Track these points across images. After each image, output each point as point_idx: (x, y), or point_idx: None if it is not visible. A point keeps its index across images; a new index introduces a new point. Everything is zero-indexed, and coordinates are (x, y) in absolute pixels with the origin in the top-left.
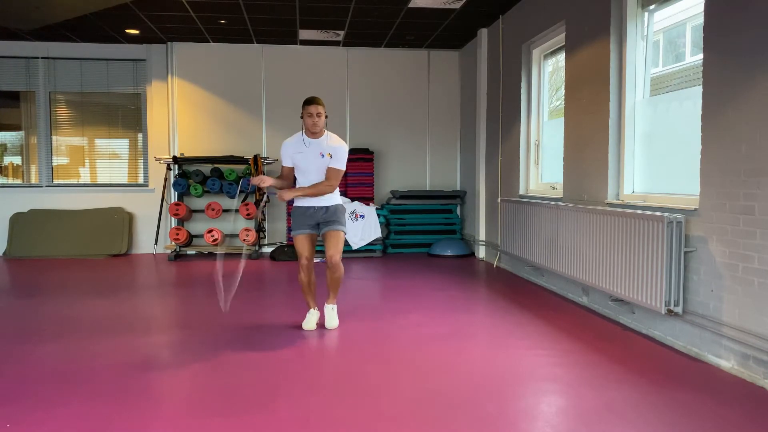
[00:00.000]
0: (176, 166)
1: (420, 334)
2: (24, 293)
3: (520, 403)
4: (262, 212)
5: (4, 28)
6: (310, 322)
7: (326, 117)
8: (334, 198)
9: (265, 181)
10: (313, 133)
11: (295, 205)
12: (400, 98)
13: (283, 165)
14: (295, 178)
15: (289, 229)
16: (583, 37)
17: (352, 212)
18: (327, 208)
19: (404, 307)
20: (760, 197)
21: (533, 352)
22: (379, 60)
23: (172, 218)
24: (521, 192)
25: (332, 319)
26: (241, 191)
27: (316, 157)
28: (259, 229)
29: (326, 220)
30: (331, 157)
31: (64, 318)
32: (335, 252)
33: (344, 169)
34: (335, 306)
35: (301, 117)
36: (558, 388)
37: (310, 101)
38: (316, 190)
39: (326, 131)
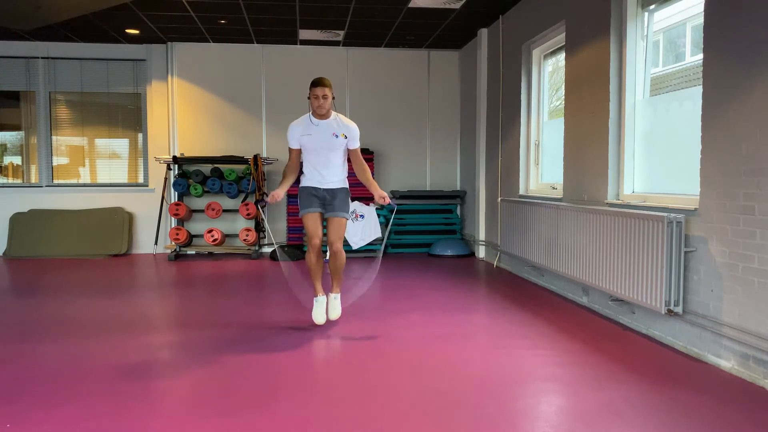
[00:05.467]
0: (176, 166)
1: (420, 334)
2: (24, 293)
3: (520, 403)
4: (263, 212)
5: (4, 28)
6: (319, 312)
7: (333, 98)
8: (342, 180)
9: (279, 196)
10: (320, 114)
11: (301, 185)
12: (400, 98)
13: (291, 147)
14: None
15: (290, 229)
16: (583, 37)
17: (352, 212)
18: (333, 190)
19: (404, 307)
20: (760, 197)
21: (533, 352)
22: (379, 60)
23: (172, 218)
24: (521, 192)
25: (335, 308)
26: (241, 191)
27: (328, 137)
28: (259, 229)
29: (331, 203)
30: (345, 137)
31: (63, 318)
32: (336, 239)
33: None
34: (339, 295)
35: (308, 98)
36: (558, 388)
37: (316, 83)
38: (371, 182)
39: (334, 112)
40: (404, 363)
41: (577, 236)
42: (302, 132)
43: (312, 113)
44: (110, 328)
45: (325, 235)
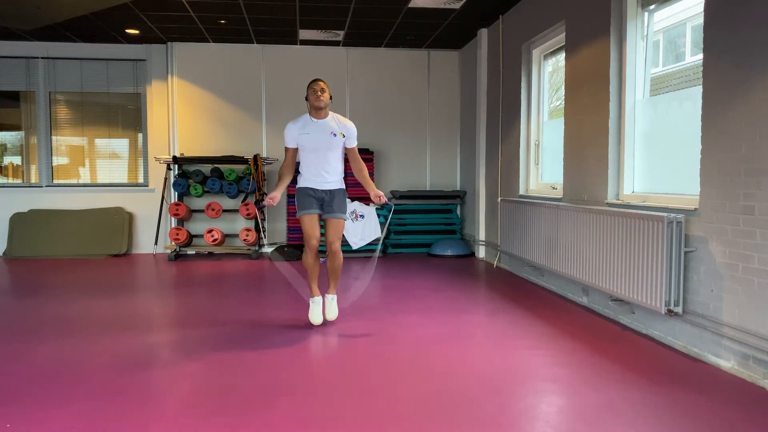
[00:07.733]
0: (176, 166)
1: (420, 334)
2: (24, 293)
3: (520, 403)
4: (262, 212)
5: (4, 28)
6: (316, 313)
7: (330, 98)
8: (339, 180)
9: (277, 198)
10: (319, 109)
11: (299, 186)
12: (400, 98)
13: (288, 147)
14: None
15: (290, 229)
16: (583, 37)
17: (352, 212)
18: (331, 191)
19: (404, 307)
20: (760, 197)
21: (533, 352)
22: (379, 60)
23: (172, 218)
24: (521, 192)
25: (332, 309)
26: (241, 191)
27: (326, 136)
28: (259, 229)
29: (329, 204)
30: (344, 136)
31: (63, 318)
32: (335, 239)
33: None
34: (335, 296)
35: (306, 99)
36: (558, 388)
37: (314, 80)
38: (368, 182)
39: (331, 112)
40: (404, 363)
41: (577, 236)
42: (300, 131)
43: (310, 113)
44: (110, 328)
45: (323, 235)
